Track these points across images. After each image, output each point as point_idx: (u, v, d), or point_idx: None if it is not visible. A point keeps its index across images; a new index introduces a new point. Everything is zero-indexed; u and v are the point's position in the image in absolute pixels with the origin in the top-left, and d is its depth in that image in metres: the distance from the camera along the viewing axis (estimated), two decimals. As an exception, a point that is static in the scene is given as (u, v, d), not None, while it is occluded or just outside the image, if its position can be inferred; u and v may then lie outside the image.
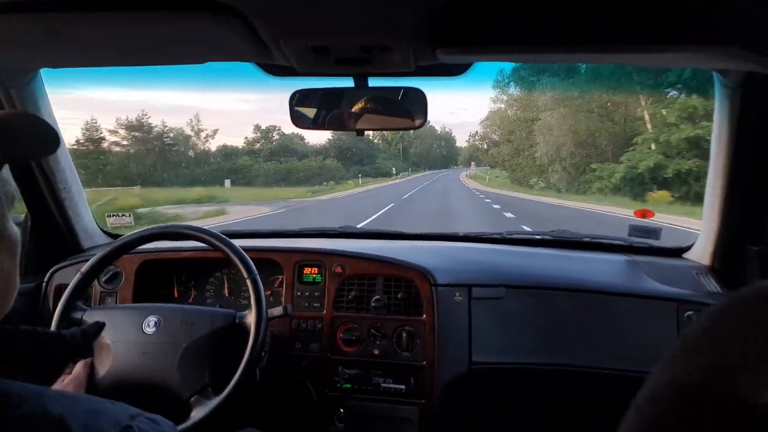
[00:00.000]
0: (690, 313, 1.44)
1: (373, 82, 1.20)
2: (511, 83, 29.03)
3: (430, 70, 1.16)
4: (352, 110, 1.21)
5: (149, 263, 1.71)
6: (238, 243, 1.36)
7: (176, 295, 1.79)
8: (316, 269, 1.63)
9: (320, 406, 1.56)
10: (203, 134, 36.63)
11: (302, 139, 48.18)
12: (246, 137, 51.01)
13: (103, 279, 1.67)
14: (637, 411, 0.37)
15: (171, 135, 32.62)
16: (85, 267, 1.34)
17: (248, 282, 1.30)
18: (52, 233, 1.76)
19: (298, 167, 37.71)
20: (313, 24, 0.95)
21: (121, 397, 1.23)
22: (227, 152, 39.29)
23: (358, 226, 2.51)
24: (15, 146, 0.60)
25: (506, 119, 30.65)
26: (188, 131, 35.78)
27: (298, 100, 1.24)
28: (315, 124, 1.26)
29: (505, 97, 30.63)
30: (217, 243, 1.35)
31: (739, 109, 1.22)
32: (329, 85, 1.25)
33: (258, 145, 44.49)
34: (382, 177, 43.86)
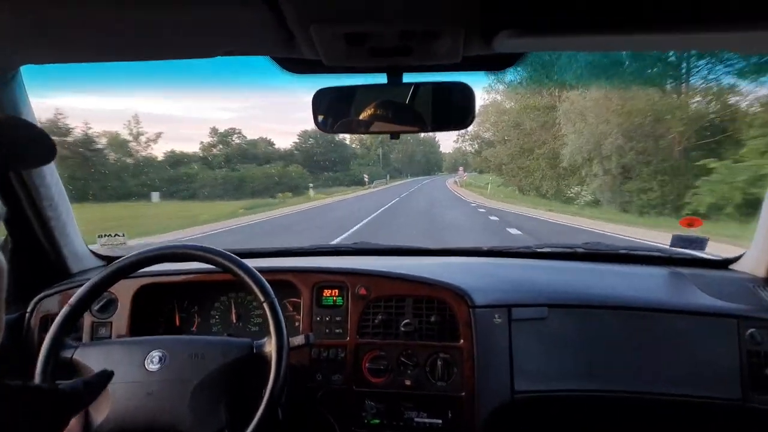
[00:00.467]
0: (753, 330, 1.30)
1: (407, 79, 1.05)
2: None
3: (475, 63, 1.02)
4: (388, 112, 1.06)
5: (147, 288, 1.53)
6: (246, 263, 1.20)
7: (178, 323, 1.61)
8: (336, 291, 1.47)
9: None
10: (143, 138, 28.41)
11: (271, 144, 44.41)
12: (201, 142, 44.36)
13: (96, 308, 1.49)
14: None
15: (99, 140, 24.48)
16: (74, 297, 1.16)
17: (265, 306, 1.14)
18: (36, 256, 1.57)
19: (254, 175, 31.53)
20: (351, 5, 0.80)
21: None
22: (176, 159, 32.38)
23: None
24: (10, 153, 0.55)
25: (505, 113, 24.17)
26: (126, 135, 27.99)
27: (324, 100, 1.09)
28: (344, 128, 1.10)
29: (501, 86, 24.09)
30: (228, 264, 1.19)
31: None
32: (355, 82, 1.09)
33: (215, 150, 39.35)
34: (356, 186, 37.68)
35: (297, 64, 1.07)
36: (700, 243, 1.57)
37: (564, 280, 1.53)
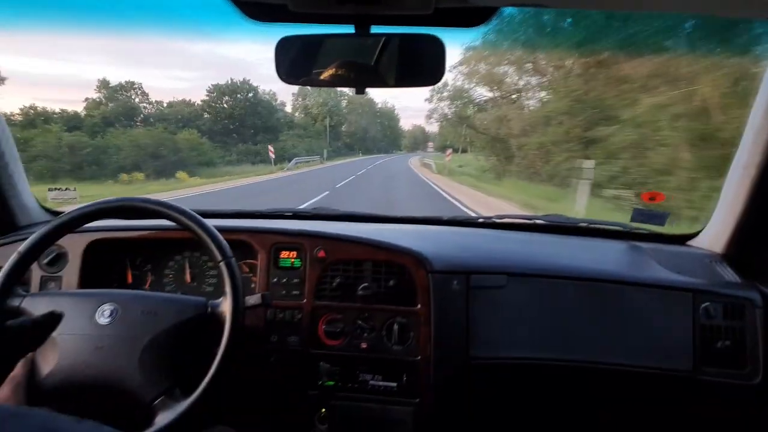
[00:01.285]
0: (707, 304, 1.32)
1: (376, 31, 1.00)
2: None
3: (447, 16, 0.98)
4: (355, 63, 1.01)
5: (98, 243, 1.47)
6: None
7: (130, 281, 1.55)
8: (294, 253, 1.44)
9: (299, 405, 1.38)
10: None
11: (190, 104, 34.27)
12: (87, 98, 31.49)
13: (45, 261, 1.43)
14: None
15: None
16: (24, 245, 1.10)
17: (222, 266, 1.10)
18: None
19: (122, 143, 22.20)
20: None
21: (69, 401, 1.03)
22: (30, 119, 23.66)
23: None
24: None
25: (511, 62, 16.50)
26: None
27: (288, 49, 1.03)
28: (308, 80, 1.05)
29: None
30: (186, 220, 1.14)
31: None
32: (322, 32, 1.04)
33: (101, 109, 29.29)
34: (264, 165, 25.67)
35: (261, 10, 1.01)
36: (659, 218, 1.59)
37: (524, 251, 1.53)
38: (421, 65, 1.00)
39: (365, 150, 65.04)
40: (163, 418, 0.99)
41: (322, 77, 1.02)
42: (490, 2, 0.90)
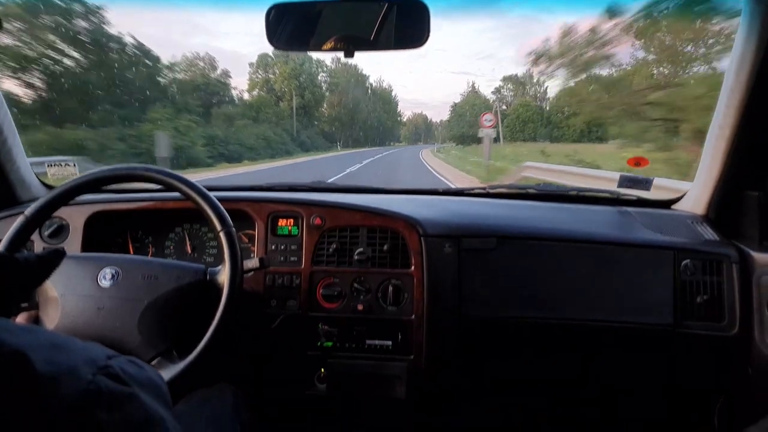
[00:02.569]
0: (687, 261, 1.38)
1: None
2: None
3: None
4: (341, 27, 1.05)
5: (100, 215, 1.51)
6: None
7: (132, 252, 1.60)
8: (291, 221, 1.48)
9: (299, 366, 1.43)
10: None
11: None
12: None
13: (47, 233, 1.47)
14: None
15: None
16: (30, 209, 1.12)
17: (222, 235, 1.12)
18: None
19: None
20: None
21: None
22: None
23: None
24: None
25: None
26: None
27: (276, 16, 1.07)
28: (298, 45, 1.09)
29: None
30: (187, 189, 1.16)
31: None
32: None
33: None
34: None
35: None
36: (645, 183, 1.64)
37: (513, 215, 1.58)
38: (407, 28, 1.04)
39: (352, 141, 53.51)
40: None
41: (312, 43, 1.06)
42: None
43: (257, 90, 44.21)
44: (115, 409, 0.41)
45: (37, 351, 0.38)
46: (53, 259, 0.63)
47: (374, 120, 65.57)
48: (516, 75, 66.08)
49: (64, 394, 0.38)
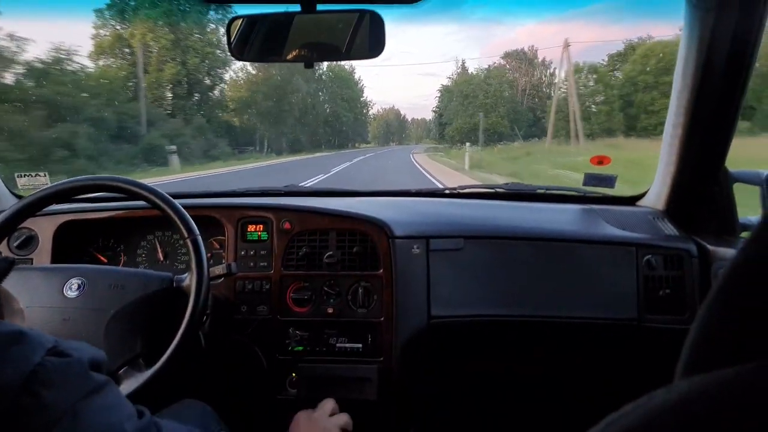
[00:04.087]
0: (649, 257, 1.42)
1: (321, 8, 1.06)
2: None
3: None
4: (303, 39, 1.07)
5: (69, 225, 1.51)
6: None
7: (105, 261, 1.60)
8: (261, 226, 1.50)
9: (270, 371, 1.44)
10: None
11: None
12: None
13: (15, 244, 1.47)
14: (703, 326, 0.34)
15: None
16: (1, 217, 1.11)
17: (188, 243, 1.13)
18: None
19: None
20: None
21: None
22: None
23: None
24: None
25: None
26: None
27: (239, 28, 1.09)
28: (260, 56, 1.11)
29: None
30: (153, 198, 1.16)
31: (710, 34, 1.17)
32: (270, 11, 1.09)
33: None
34: None
35: None
36: (609, 180, 1.68)
37: (480, 215, 1.61)
38: (363, 38, 1.06)
39: (290, 143, 35.78)
40: (126, 387, 1.02)
41: (271, 53, 1.08)
42: None
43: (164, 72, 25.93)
44: (60, 383, 0.49)
45: None
46: (3, 267, 0.64)
47: (327, 111, 45.95)
48: (522, 50, 52.60)
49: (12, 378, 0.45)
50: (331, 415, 1.15)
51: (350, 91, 50.90)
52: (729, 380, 0.27)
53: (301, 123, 39.38)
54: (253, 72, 33.77)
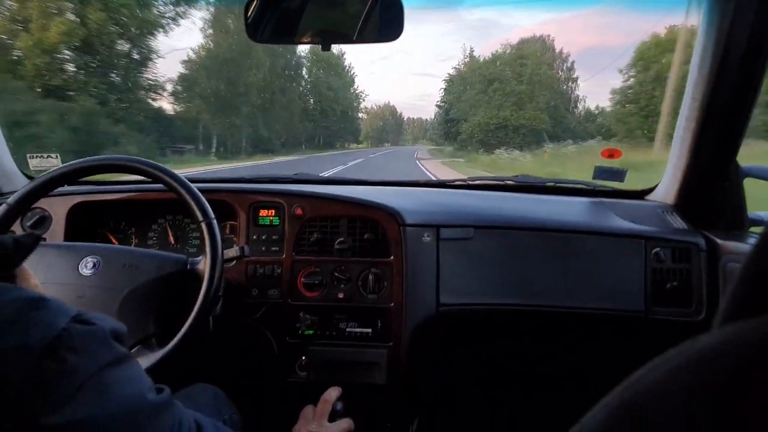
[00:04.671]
0: (657, 249, 1.43)
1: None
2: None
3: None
4: (317, 21, 1.08)
5: (82, 206, 1.52)
6: None
7: (115, 243, 1.61)
8: (273, 211, 1.51)
9: (280, 354, 1.46)
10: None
11: None
12: None
13: (29, 223, 1.48)
14: (746, 272, 0.33)
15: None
16: (14, 196, 1.11)
17: (203, 226, 1.14)
18: None
19: None
20: None
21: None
22: None
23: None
24: None
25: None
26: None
27: (255, 10, 1.09)
28: (277, 37, 1.12)
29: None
30: (169, 179, 1.16)
31: (729, 26, 1.17)
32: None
33: None
34: None
35: None
36: (619, 174, 1.68)
37: (491, 206, 1.61)
38: (382, 23, 1.07)
39: (252, 142, 27.55)
40: None
41: (288, 34, 1.08)
42: None
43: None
44: (83, 349, 0.50)
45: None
46: (30, 243, 0.65)
47: (311, 102, 36.93)
48: (541, 36, 44.69)
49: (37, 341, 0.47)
50: (333, 414, 1.17)
51: (338, 79, 39.91)
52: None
53: (265, 113, 28.93)
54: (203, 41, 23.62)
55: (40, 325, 0.48)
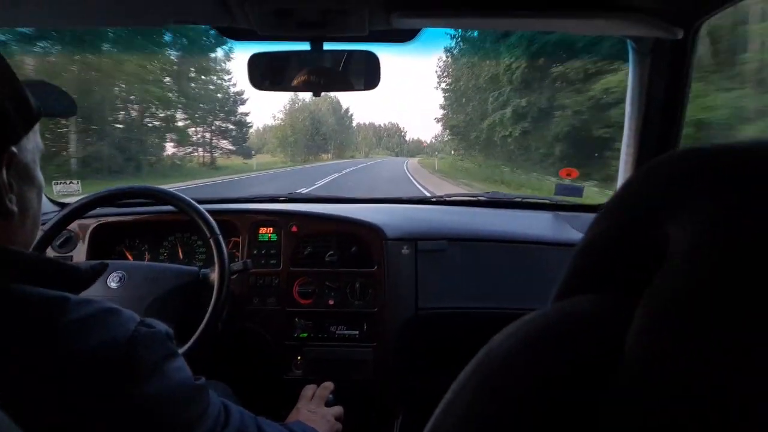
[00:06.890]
0: None
1: (328, 47, 1.29)
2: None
3: (381, 36, 1.27)
4: (311, 73, 1.29)
5: (103, 227, 1.73)
6: None
7: (131, 259, 1.81)
8: (271, 229, 1.71)
9: (279, 355, 1.66)
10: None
11: None
12: None
13: (58, 243, 1.68)
14: (573, 259, 0.38)
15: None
16: (50, 222, 1.33)
17: (211, 241, 1.34)
18: None
19: None
20: None
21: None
22: None
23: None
24: (46, 105, 0.66)
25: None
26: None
27: (258, 63, 1.31)
28: (275, 86, 1.33)
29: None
30: (181, 204, 1.38)
31: (649, 74, 1.40)
32: (284, 48, 1.32)
33: None
34: None
35: (237, 32, 1.29)
36: (577, 190, 1.91)
37: (463, 220, 1.83)
38: (361, 74, 1.29)
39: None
40: None
41: (286, 85, 1.30)
42: (411, 25, 1.19)
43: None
44: (149, 345, 0.66)
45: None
46: (100, 269, 0.81)
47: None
48: None
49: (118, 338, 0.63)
50: (325, 404, 1.29)
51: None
52: (570, 307, 0.33)
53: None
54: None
55: (118, 327, 0.64)
